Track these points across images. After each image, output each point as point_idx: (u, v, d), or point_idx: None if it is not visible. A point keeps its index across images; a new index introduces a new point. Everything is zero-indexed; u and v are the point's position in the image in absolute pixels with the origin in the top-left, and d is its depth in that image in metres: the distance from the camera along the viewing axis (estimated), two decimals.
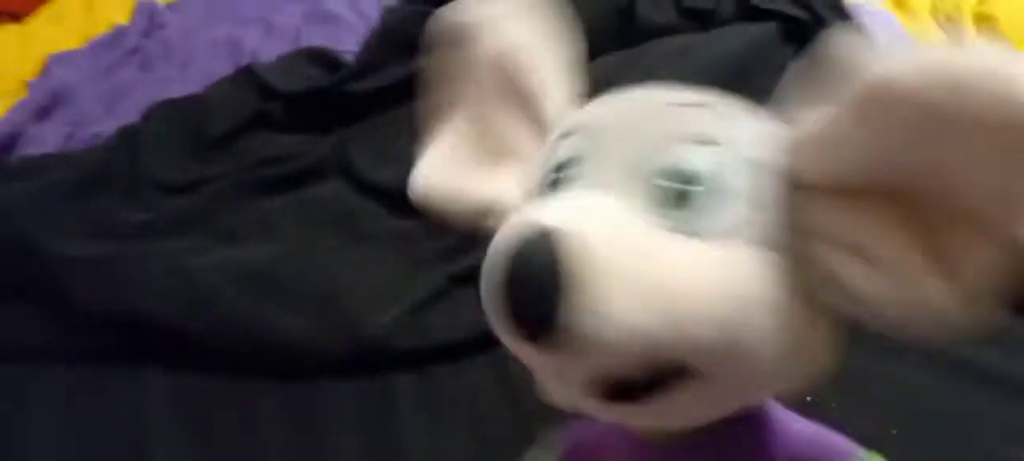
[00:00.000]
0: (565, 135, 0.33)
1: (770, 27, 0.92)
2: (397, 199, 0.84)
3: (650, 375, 0.28)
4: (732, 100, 0.32)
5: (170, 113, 0.99)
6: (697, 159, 0.29)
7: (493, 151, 0.39)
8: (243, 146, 0.96)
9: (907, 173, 0.26)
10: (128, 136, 0.97)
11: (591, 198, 0.29)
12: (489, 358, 0.72)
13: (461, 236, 0.79)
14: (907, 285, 0.26)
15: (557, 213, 0.27)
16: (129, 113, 1.05)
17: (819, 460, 0.37)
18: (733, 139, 0.30)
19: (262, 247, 0.83)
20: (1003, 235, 0.25)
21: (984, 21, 0.82)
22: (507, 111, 0.38)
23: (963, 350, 0.66)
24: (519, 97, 0.37)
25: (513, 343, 0.29)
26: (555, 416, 0.50)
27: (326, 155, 0.93)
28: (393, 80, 0.96)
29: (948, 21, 0.84)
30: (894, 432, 0.57)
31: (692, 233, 0.28)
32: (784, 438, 0.36)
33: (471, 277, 0.76)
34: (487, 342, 0.73)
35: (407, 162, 0.92)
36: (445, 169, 0.39)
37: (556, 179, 0.32)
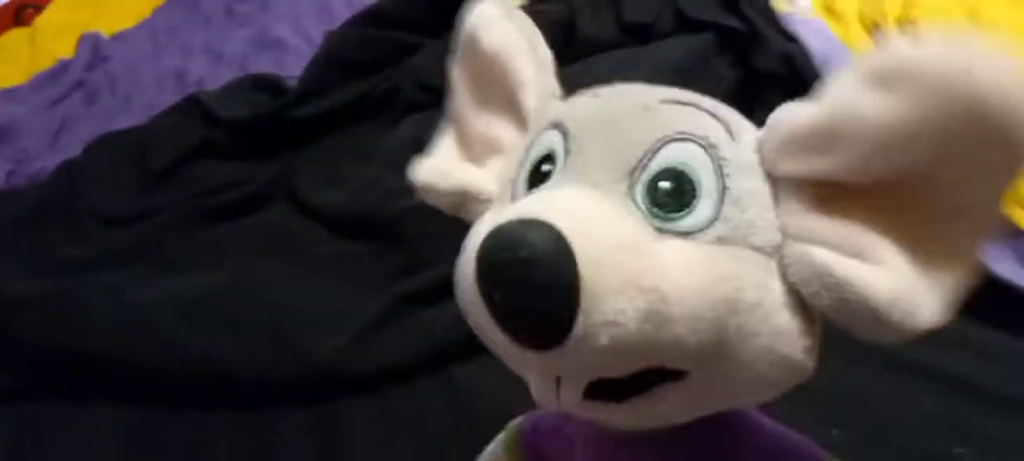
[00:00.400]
0: (548, 128, 0.31)
1: (707, 37, 0.92)
2: (344, 222, 0.83)
3: (638, 376, 0.27)
4: (713, 101, 0.30)
5: (112, 146, 0.96)
6: (681, 157, 0.28)
7: (480, 146, 0.37)
8: (188, 175, 0.93)
9: (907, 170, 0.25)
10: (69, 171, 0.94)
11: (581, 195, 0.27)
12: (440, 378, 0.71)
13: (407, 257, 0.78)
14: (902, 283, 0.25)
15: (552, 209, 0.25)
16: (74, 147, 1.03)
17: None
18: (717, 138, 0.28)
19: (209, 276, 0.80)
20: (983, 237, 0.25)
21: (907, 26, 0.83)
22: (499, 110, 0.36)
23: (901, 349, 0.66)
24: (504, 93, 0.36)
25: (502, 345, 0.27)
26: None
27: (272, 181, 0.91)
28: (337, 103, 0.95)
29: (875, 28, 0.85)
30: (835, 432, 0.56)
31: (676, 233, 0.27)
32: (754, 439, 0.35)
33: (420, 297, 0.75)
34: (438, 362, 0.72)
35: (352, 184, 0.91)
36: (442, 159, 0.38)
37: (538, 173, 0.30)
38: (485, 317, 0.26)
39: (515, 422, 0.46)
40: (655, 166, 0.28)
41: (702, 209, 0.27)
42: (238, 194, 0.90)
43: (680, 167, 0.27)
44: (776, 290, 0.27)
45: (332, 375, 0.72)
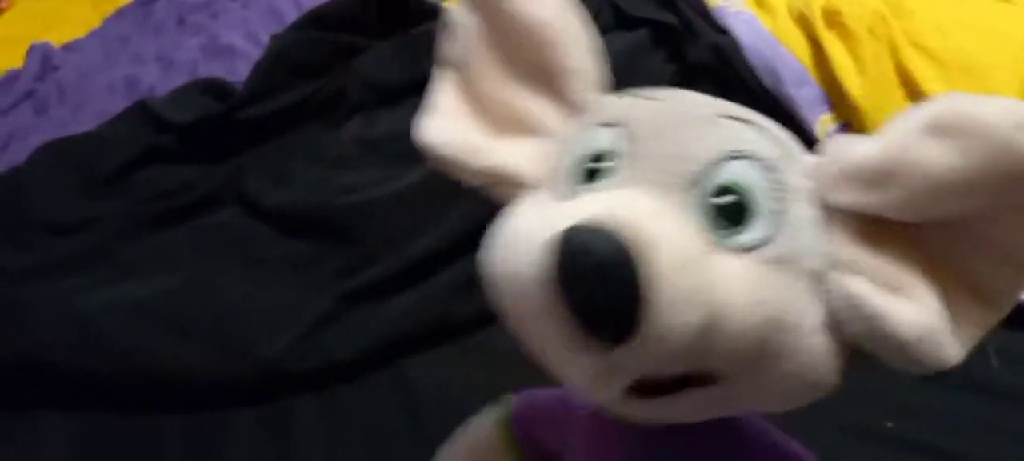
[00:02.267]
0: (603, 124, 0.30)
1: (643, 33, 0.90)
2: (291, 222, 0.79)
3: (677, 378, 0.27)
4: (769, 120, 0.30)
5: (57, 153, 0.90)
6: (741, 175, 0.27)
7: (509, 119, 0.34)
8: (137, 181, 0.88)
9: (955, 215, 0.26)
10: (12, 178, 0.88)
11: (646, 202, 0.26)
12: (390, 374, 0.68)
13: (355, 254, 0.74)
14: (931, 321, 0.26)
15: (619, 215, 0.24)
16: (23, 158, 0.95)
17: None
18: (773, 159, 0.28)
19: (157, 280, 0.75)
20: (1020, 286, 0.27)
21: (831, 15, 0.81)
22: (530, 83, 0.33)
23: None
24: (546, 71, 0.33)
25: (548, 339, 0.26)
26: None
27: (221, 183, 0.86)
28: (284, 105, 0.90)
29: (802, 19, 0.84)
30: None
31: (730, 249, 0.26)
32: (754, 445, 0.35)
33: (367, 294, 0.71)
34: (387, 358, 0.69)
35: (300, 184, 0.87)
36: (457, 124, 0.34)
37: (591, 170, 0.29)
38: (541, 310, 0.25)
39: (510, 400, 0.44)
40: (715, 181, 0.27)
41: (758, 229, 0.27)
42: (187, 198, 0.85)
43: (740, 185, 0.27)
44: (815, 314, 0.27)
45: (282, 374, 0.68)
